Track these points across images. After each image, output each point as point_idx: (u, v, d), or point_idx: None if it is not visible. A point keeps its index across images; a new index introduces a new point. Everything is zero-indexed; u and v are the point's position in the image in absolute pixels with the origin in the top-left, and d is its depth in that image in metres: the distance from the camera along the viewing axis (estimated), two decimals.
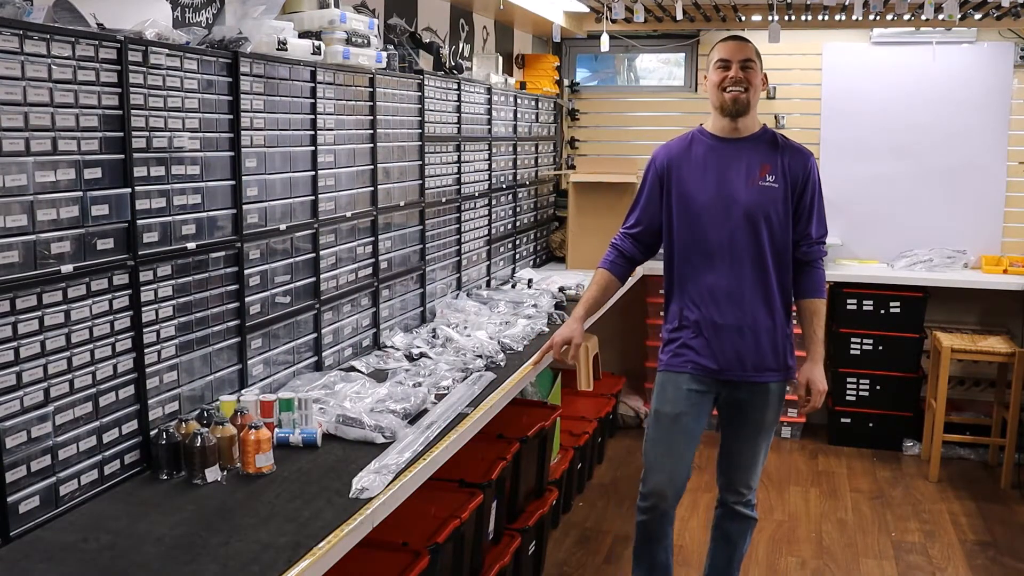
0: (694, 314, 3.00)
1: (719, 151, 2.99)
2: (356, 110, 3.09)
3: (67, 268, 1.95)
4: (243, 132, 2.50)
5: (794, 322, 3.10)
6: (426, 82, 3.60)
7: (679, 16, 4.95)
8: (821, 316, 3.06)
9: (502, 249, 4.70)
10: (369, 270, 3.27)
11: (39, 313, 1.90)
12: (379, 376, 2.95)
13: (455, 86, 3.93)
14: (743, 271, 2.95)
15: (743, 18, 5.44)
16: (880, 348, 5.34)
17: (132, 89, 2.09)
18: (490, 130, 4.40)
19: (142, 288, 2.17)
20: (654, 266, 5.55)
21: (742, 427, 3.08)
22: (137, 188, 2.13)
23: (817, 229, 3.02)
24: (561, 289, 4.35)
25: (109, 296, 2.08)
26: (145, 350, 2.20)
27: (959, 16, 4.83)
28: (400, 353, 3.22)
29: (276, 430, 2.38)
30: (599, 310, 3.26)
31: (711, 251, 2.96)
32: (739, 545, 3.20)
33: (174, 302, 2.29)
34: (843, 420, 5.47)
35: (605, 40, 5.17)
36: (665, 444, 3.04)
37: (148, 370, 2.21)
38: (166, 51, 2.21)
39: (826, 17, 5.28)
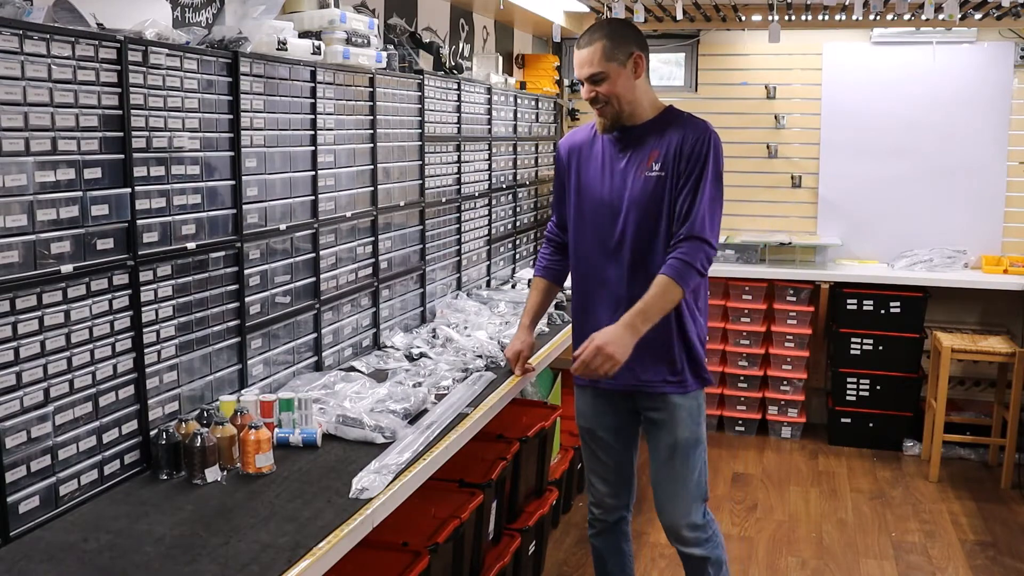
0: (589, 322, 2.80)
1: (620, 143, 2.77)
2: (356, 110, 3.09)
3: (67, 268, 1.95)
4: (243, 132, 2.50)
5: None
6: (426, 82, 3.60)
7: (679, 16, 4.95)
8: (658, 294, 2.59)
9: (502, 249, 4.70)
10: (369, 270, 3.27)
11: (39, 313, 1.90)
12: (379, 376, 2.95)
13: (455, 86, 3.93)
14: (632, 274, 2.71)
15: (743, 18, 5.44)
16: (880, 348, 5.34)
17: (132, 89, 2.10)
18: (490, 130, 4.40)
19: (142, 288, 2.17)
20: None
21: (656, 448, 2.86)
22: (137, 188, 2.13)
23: (692, 222, 2.62)
24: (562, 289, 4.34)
25: (109, 296, 2.09)
26: (145, 350, 2.20)
27: (959, 16, 4.82)
28: (400, 353, 3.22)
29: (276, 430, 2.38)
30: (544, 314, 3.21)
31: (603, 252, 2.77)
32: None
33: (174, 302, 2.30)
34: (843, 420, 5.47)
35: None
36: (593, 458, 3.00)
37: (148, 370, 2.21)
38: (166, 51, 2.21)
39: (826, 17, 5.27)
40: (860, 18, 5.11)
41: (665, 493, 2.87)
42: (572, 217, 2.88)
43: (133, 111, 2.10)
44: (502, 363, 3.15)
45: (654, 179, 2.70)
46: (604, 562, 3.11)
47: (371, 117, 3.19)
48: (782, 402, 5.60)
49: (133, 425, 2.18)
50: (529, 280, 4.50)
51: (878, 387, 5.38)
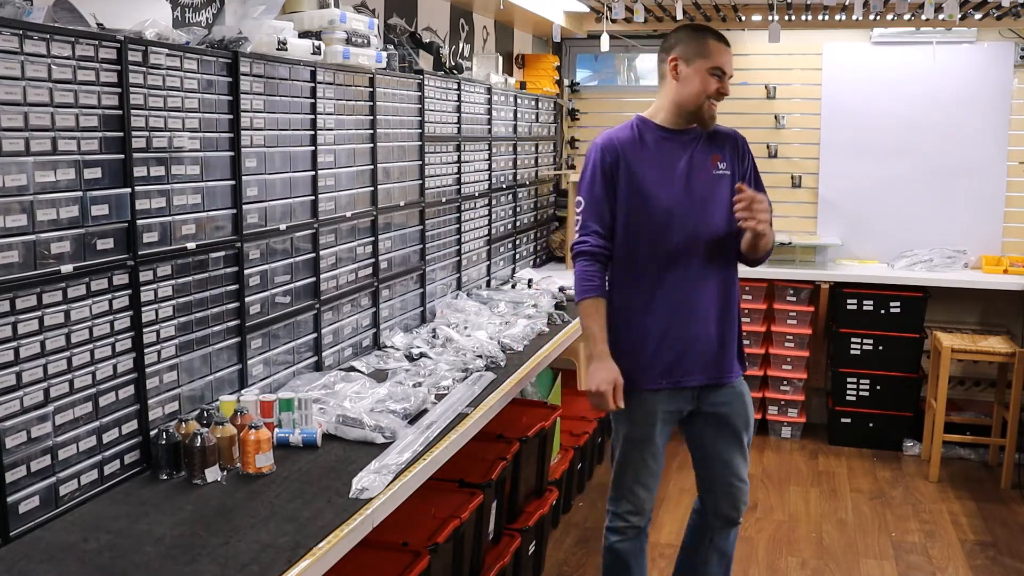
0: (660, 324, 2.79)
1: (673, 144, 2.79)
2: (356, 110, 3.09)
3: (67, 268, 1.95)
4: (243, 132, 2.50)
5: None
6: (426, 82, 3.60)
7: (679, 16, 4.95)
8: (765, 246, 2.81)
9: (502, 249, 4.70)
10: (369, 270, 3.27)
11: (39, 313, 1.91)
12: (379, 376, 2.95)
13: (455, 86, 3.93)
14: (707, 269, 2.78)
15: (743, 18, 5.44)
16: (880, 348, 5.34)
17: (132, 89, 2.10)
18: (490, 130, 4.40)
19: (142, 288, 2.17)
20: None
21: (722, 438, 2.93)
22: (137, 188, 2.13)
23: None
24: (561, 289, 4.35)
25: (109, 296, 2.09)
26: (145, 350, 2.20)
27: (959, 16, 4.82)
28: (400, 353, 3.22)
29: (276, 430, 2.38)
30: None
31: (672, 252, 2.76)
32: (732, 553, 3.12)
33: (174, 302, 2.30)
34: (843, 420, 5.47)
35: (605, 40, 5.17)
36: (644, 467, 2.91)
37: (148, 370, 2.21)
38: (166, 51, 2.21)
39: (826, 17, 5.28)
40: (860, 18, 5.11)
41: (739, 476, 2.98)
42: (629, 221, 2.78)
43: (133, 111, 2.10)
44: (502, 363, 3.16)
45: (720, 178, 2.82)
46: (628, 568, 3.01)
47: (371, 117, 3.19)
48: (782, 402, 5.60)
49: (133, 425, 2.18)
50: (529, 280, 4.52)
51: (878, 387, 5.38)
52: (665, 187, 2.77)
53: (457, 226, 4.05)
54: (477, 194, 4.25)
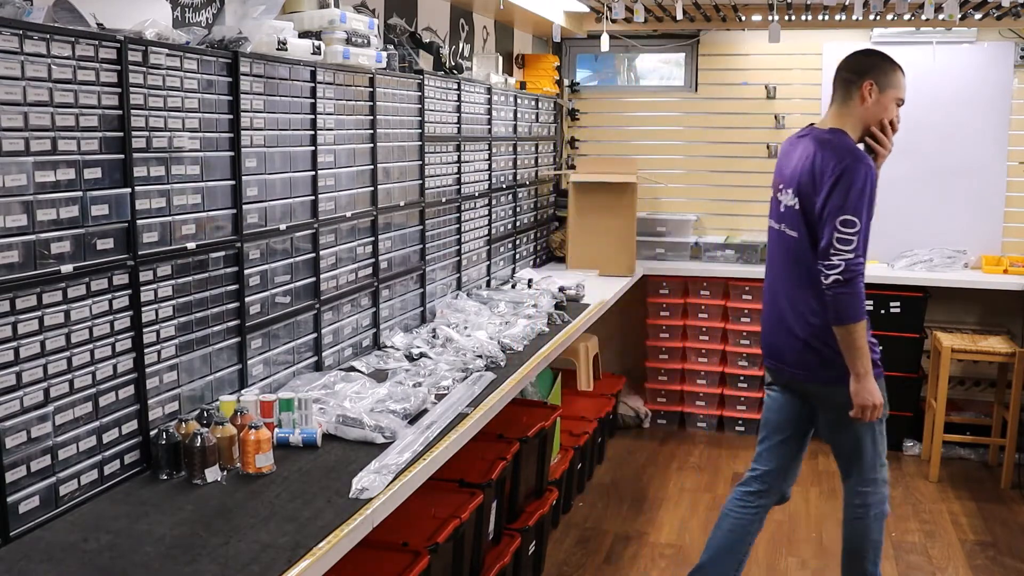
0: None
1: None
2: (356, 110, 3.09)
3: (67, 268, 1.95)
4: (243, 132, 2.50)
5: None
6: (426, 82, 3.60)
7: (679, 16, 4.95)
8: None
9: (502, 249, 4.70)
10: (369, 270, 3.27)
11: (39, 313, 1.91)
12: (379, 376, 2.95)
13: (455, 86, 3.93)
14: None
15: (743, 18, 5.44)
16: (880, 348, 5.32)
17: (132, 89, 2.10)
18: (490, 130, 4.40)
19: (142, 288, 2.17)
20: (655, 267, 5.56)
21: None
22: (137, 188, 2.13)
23: None
24: (561, 289, 4.34)
25: (109, 296, 2.09)
26: (145, 350, 2.20)
27: (959, 16, 4.82)
28: (400, 353, 3.22)
29: (276, 430, 2.38)
30: None
31: None
32: None
33: (174, 302, 2.30)
34: None
35: (605, 40, 5.17)
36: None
37: (148, 370, 2.21)
38: (166, 51, 2.21)
39: (826, 17, 5.28)
40: (860, 18, 5.11)
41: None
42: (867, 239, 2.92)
43: (133, 111, 2.10)
44: (502, 363, 3.16)
45: None
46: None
47: (371, 117, 3.19)
48: None
49: (133, 425, 2.18)
50: (529, 280, 4.52)
51: None
52: None
53: (457, 226, 4.05)
54: (477, 194, 4.25)
